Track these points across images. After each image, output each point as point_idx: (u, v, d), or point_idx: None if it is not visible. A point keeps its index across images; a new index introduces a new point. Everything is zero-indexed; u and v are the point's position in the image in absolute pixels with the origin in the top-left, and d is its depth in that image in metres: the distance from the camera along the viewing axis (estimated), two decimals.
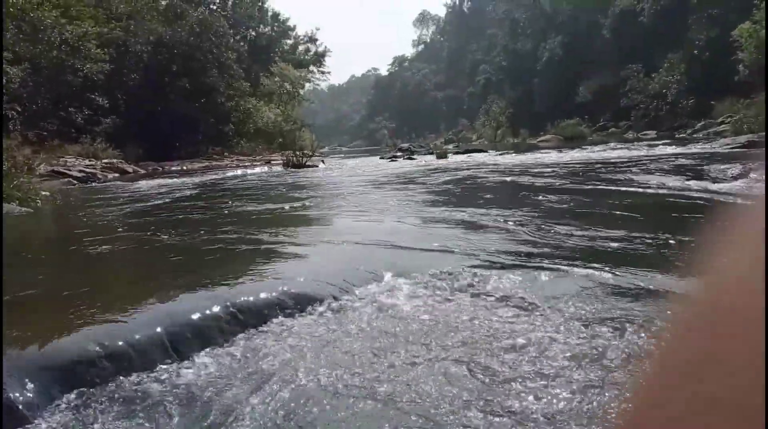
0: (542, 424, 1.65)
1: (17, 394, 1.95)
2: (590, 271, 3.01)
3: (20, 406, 1.92)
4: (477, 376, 1.95)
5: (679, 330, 0.21)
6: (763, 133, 13.40)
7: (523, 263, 3.28)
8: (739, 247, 0.20)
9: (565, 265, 3.13)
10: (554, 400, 1.77)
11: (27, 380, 2.02)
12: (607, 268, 3.02)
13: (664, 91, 33.63)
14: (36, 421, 1.87)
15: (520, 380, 1.89)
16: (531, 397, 1.79)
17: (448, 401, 1.80)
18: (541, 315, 2.44)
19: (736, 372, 0.17)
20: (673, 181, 7.30)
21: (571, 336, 2.20)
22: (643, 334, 2.17)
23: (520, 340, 2.18)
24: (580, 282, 2.84)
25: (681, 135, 24.68)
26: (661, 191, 6.47)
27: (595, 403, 1.73)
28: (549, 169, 10.77)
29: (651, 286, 2.76)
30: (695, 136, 22.40)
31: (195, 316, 2.49)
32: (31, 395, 1.97)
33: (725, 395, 0.17)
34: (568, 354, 2.05)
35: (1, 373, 1.95)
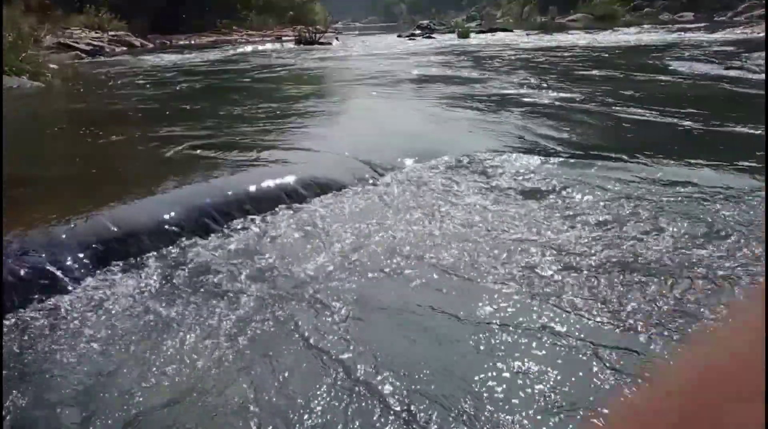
0: None
1: (56, 266, 2.04)
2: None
3: (59, 276, 2.01)
4: None
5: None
6: None
7: None
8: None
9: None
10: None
11: (65, 252, 2.10)
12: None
13: None
14: (74, 289, 1.96)
15: None
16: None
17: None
18: None
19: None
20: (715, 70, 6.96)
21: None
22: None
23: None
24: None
25: (721, 18, 22.97)
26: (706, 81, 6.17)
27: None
28: (592, 53, 10.22)
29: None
30: (736, 19, 20.84)
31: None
32: (69, 266, 2.06)
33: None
34: None
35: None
